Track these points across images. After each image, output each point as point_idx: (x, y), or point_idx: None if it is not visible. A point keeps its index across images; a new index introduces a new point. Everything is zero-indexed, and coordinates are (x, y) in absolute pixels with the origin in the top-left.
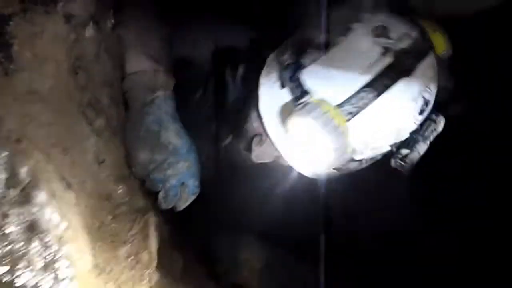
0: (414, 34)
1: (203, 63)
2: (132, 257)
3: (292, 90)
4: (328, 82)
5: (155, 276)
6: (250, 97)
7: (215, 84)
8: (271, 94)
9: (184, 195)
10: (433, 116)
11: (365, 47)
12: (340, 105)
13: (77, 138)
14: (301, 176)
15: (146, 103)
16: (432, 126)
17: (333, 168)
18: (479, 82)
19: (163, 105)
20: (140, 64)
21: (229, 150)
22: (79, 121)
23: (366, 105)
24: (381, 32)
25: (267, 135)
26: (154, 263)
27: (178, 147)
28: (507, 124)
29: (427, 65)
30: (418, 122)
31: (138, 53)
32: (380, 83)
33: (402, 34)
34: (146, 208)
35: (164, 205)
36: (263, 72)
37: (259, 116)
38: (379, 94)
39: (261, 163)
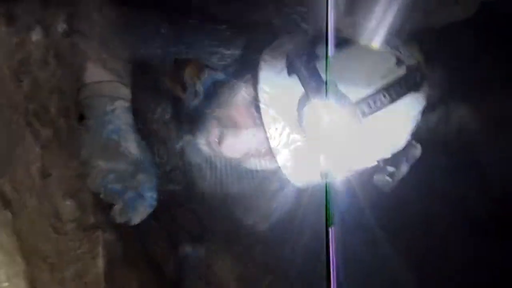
0: (416, 57)
1: (163, 67)
2: (78, 280)
3: (304, 79)
4: (345, 78)
5: None
6: (227, 86)
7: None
8: (273, 80)
9: (141, 208)
10: (414, 142)
11: (381, 53)
12: (356, 103)
13: (20, 150)
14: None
15: (106, 113)
16: (413, 150)
17: (323, 174)
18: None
19: (123, 116)
20: (100, 74)
21: (186, 152)
22: (22, 132)
23: (379, 108)
24: (394, 44)
25: (261, 122)
26: (103, 285)
27: (139, 158)
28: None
29: (424, 89)
30: (406, 143)
31: (98, 64)
32: (395, 90)
33: (409, 53)
34: (97, 225)
35: (119, 219)
36: (264, 57)
37: (256, 101)
38: (392, 101)
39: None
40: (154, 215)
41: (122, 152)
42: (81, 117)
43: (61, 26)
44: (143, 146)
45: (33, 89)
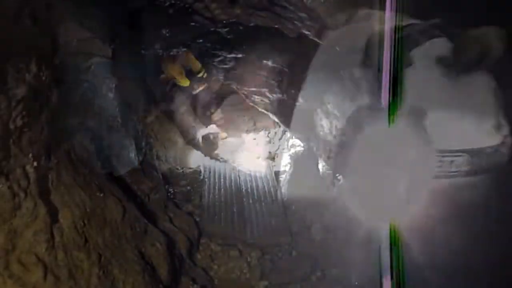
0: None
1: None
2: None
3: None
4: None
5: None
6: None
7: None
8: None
9: (119, 165)
10: None
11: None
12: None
13: None
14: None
15: (81, 71)
16: None
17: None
18: None
19: (98, 73)
20: (75, 33)
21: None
22: None
23: (449, 176)
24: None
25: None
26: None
27: (114, 115)
28: None
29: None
30: None
31: (73, 22)
32: (479, 161)
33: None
34: (75, 183)
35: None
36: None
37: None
38: (469, 174)
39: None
40: (151, 216)
41: (97, 109)
42: (58, 81)
43: None
44: (121, 105)
45: (5, 48)
